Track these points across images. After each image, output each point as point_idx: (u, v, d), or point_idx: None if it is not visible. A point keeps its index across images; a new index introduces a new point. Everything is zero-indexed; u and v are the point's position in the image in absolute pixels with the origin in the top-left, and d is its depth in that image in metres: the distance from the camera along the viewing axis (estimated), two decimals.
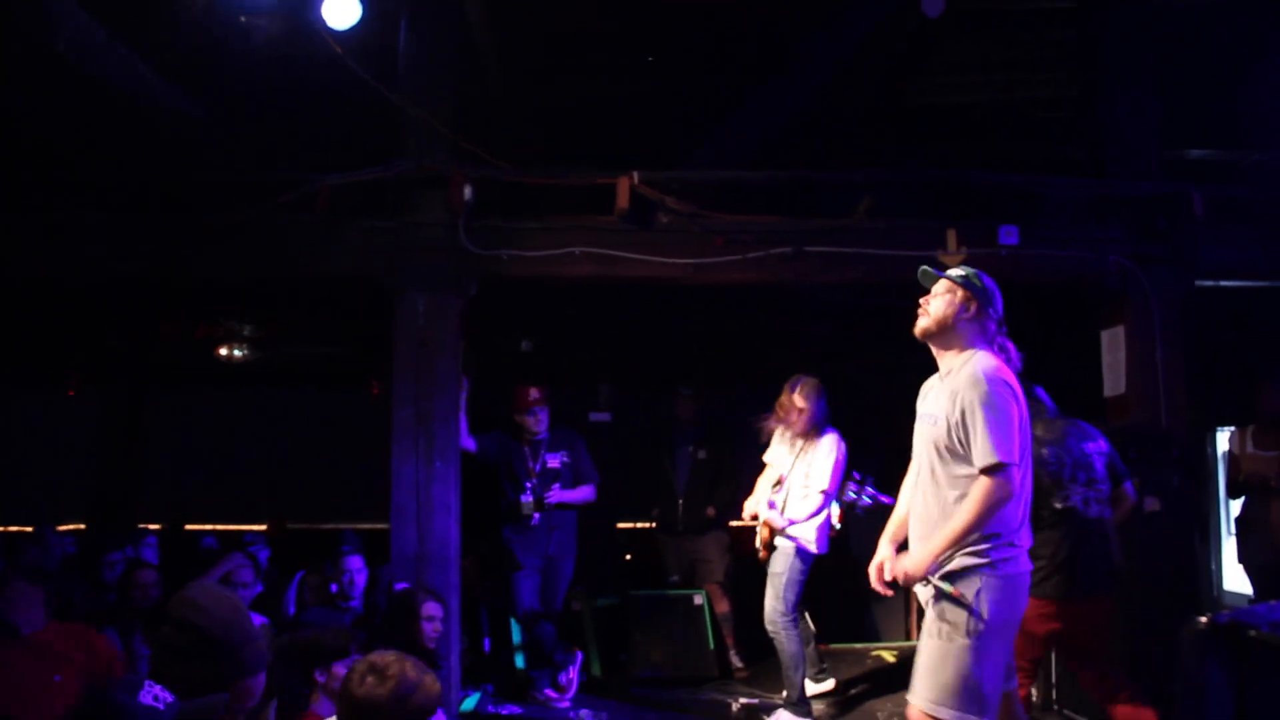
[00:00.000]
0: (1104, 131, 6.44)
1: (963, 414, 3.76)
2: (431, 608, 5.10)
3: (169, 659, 2.54)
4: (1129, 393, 6.18)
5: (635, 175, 6.00)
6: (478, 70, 6.57)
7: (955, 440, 3.79)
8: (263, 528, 10.90)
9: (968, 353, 3.92)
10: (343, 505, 10.66)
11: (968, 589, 3.68)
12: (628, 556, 9.89)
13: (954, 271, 4.01)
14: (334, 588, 6.16)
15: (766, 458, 6.50)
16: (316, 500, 11.99)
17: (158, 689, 2.38)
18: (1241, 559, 6.78)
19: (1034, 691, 6.31)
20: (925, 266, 4.08)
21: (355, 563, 6.05)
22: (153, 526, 9.79)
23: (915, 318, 4.09)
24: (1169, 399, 6.10)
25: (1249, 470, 6.55)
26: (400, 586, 5.66)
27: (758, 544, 6.41)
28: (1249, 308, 7.20)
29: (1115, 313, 6.30)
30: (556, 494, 6.60)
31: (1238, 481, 6.66)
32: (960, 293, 3.95)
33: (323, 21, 5.31)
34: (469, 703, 6.38)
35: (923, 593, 3.87)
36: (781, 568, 6.17)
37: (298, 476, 12.29)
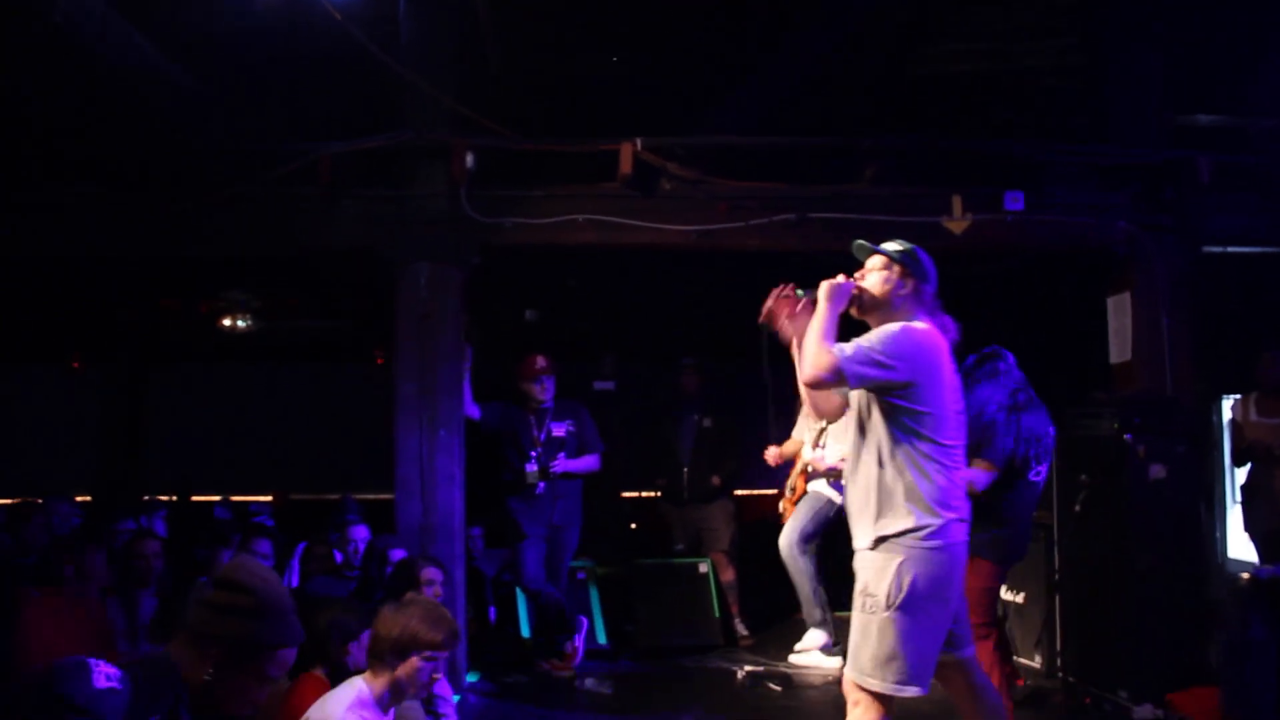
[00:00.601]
0: (1109, 98, 6.41)
1: None
2: (430, 573, 5.09)
3: (210, 616, 2.54)
4: (1135, 359, 6.17)
5: (638, 141, 5.97)
6: (479, 39, 6.51)
7: (864, 398, 3.76)
8: (268, 499, 10.96)
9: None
10: (348, 476, 10.67)
11: (890, 561, 3.60)
12: (633, 526, 9.92)
13: (889, 246, 3.90)
14: (339, 557, 6.17)
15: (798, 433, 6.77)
16: (321, 471, 12.02)
17: (105, 667, 2.26)
18: (1247, 527, 6.78)
19: (1038, 658, 6.36)
20: (859, 241, 3.97)
21: (360, 532, 6.06)
22: (162, 498, 9.80)
23: None
24: (1174, 366, 6.09)
25: (1253, 438, 6.53)
26: (397, 554, 5.66)
27: (786, 498, 6.58)
28: (1256, 274, 7.16)
29: (1121, 279, 6.28)
30: (562, 463, 6.59)
31: (1242, 449, 6.64)
32: (896, 268, 3.85)
33: None
34: (474, 673, 6.41)
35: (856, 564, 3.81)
36: (809, 504, 6.52)
37: (302, 448, 12.32)
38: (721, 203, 6.10)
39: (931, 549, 3.59)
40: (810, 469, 6.67)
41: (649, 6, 6.52)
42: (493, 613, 7.42)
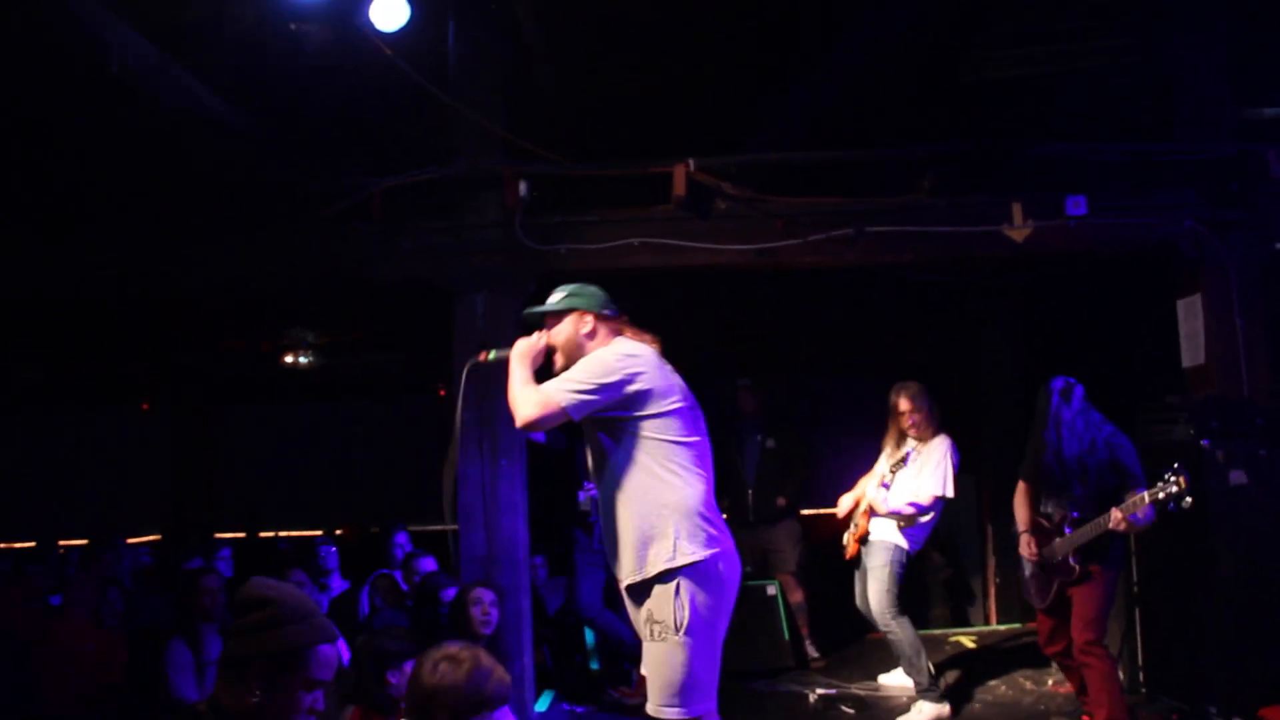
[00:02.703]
0: (1172, 94, 6.25)
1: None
2: (479, 593, 5.06)
3: (241, 640, 2.57)
4: (1209, 362, 5.99)
5: (691, 162, 5.94)
6: (528, 67, 6.54)
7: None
8: (339, 532, 11.04)
9: None
10: (416, 509, 10.72)
11: (665, 588, 3.61)
12: None
13: (552, 300, 4.01)
14: (405, 588, 6.17)
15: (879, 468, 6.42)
16: (388, 504, 12.10)
17: None
18: None
19: (1121, 673, 6.18)
20: (528, 309, 4.11)
21: (427, 564, 6.07)
22: (230, 535, 9.92)
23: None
24: (1250, 367, 5.91)
25: None
26: (449, 594, 5.62)
27: (847, 539, 6.37)
28: None
29: (1191, 280, 6.11)
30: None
31: None
32: (570, 316, 3.94)
33: (371, 25, 5.31)
34: (542, 702, 6.37)
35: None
36: (881, 561, 6.14)
37: (368, 482, 12.40)
38: (778, 220, 6.04)
39: (694, 568, 3.64)
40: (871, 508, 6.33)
41: (694, 24, 6.50)
42: (553, 635, 7.37)
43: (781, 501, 7.64)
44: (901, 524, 6.17)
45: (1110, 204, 6.06)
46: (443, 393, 11.18)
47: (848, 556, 6.49)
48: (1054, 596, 5.22)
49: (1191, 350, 6.14)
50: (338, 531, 10.87)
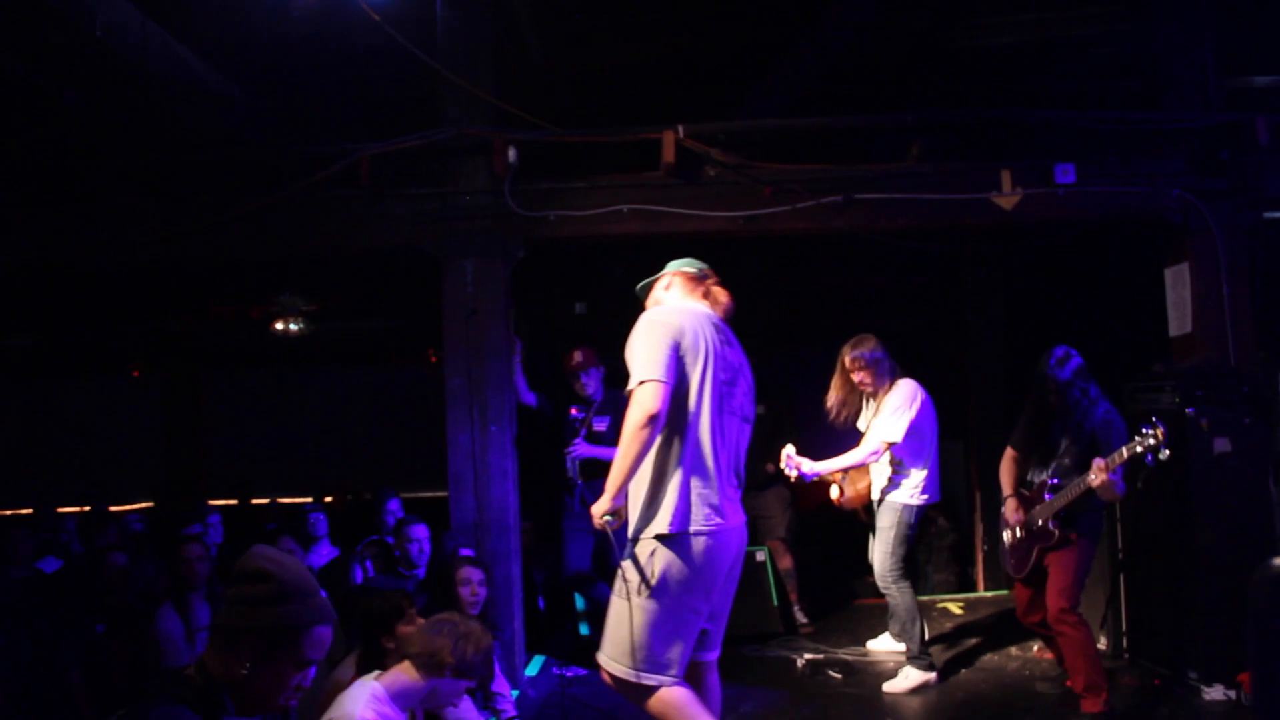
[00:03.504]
0: (1160, 62, 6.26)
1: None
2: (468, 572, 5.06)
3: (237, 610, 2.53)
4: (1195, 331, 6.03)
5: (680, 129, 5.94)
6: (517, 33, 6.51)
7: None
8: (328, 499, 11.08)
9: None
10: (407, 475, 10.76)
11: (642, 550, 3.70)
12: None
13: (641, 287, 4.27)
14: (395, 551, 6.19)
15: (861, 426, 6.28)
16: (378, 471, 12.15)
17: None
18: None
19: (1104, 639, 6.25)
20: (640, 284, 4.31)
21: (420, 531, 6.07)
22: (221, 502, 9.95)
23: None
24: (1237, 336, 5.95)
25: None
26: (464, 551, 5.69)
27: (839, 485, 6.38)
28: None
29: (1179, 249, 6.14)
30: (581, 447, 6.52)
31: None
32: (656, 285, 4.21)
33: None
34: (533, 666, 6.42)
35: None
36: (888, 522, 6.05)
37: (358, 448, 12.45)
38: (766, 187, 6.04)
39: (678, 539, 3.70)
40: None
41: None
42: (541, 602, 7.42)
43: (770, 468, 7.65)
44: (893, 479, 6.05)
45: (1099, 172, 6.07)
46: (434, 359, 11.19)
47: (837, 500, 6.47)
48: (1032, 565, 5.26)
49: (1178, 318, 6.17)
50: (327, 498, 10.92)
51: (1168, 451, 4.71)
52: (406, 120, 6.15)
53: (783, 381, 8.08)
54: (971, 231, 7.91)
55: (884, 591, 6.15)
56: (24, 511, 9.47)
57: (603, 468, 6.52)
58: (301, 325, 10.06)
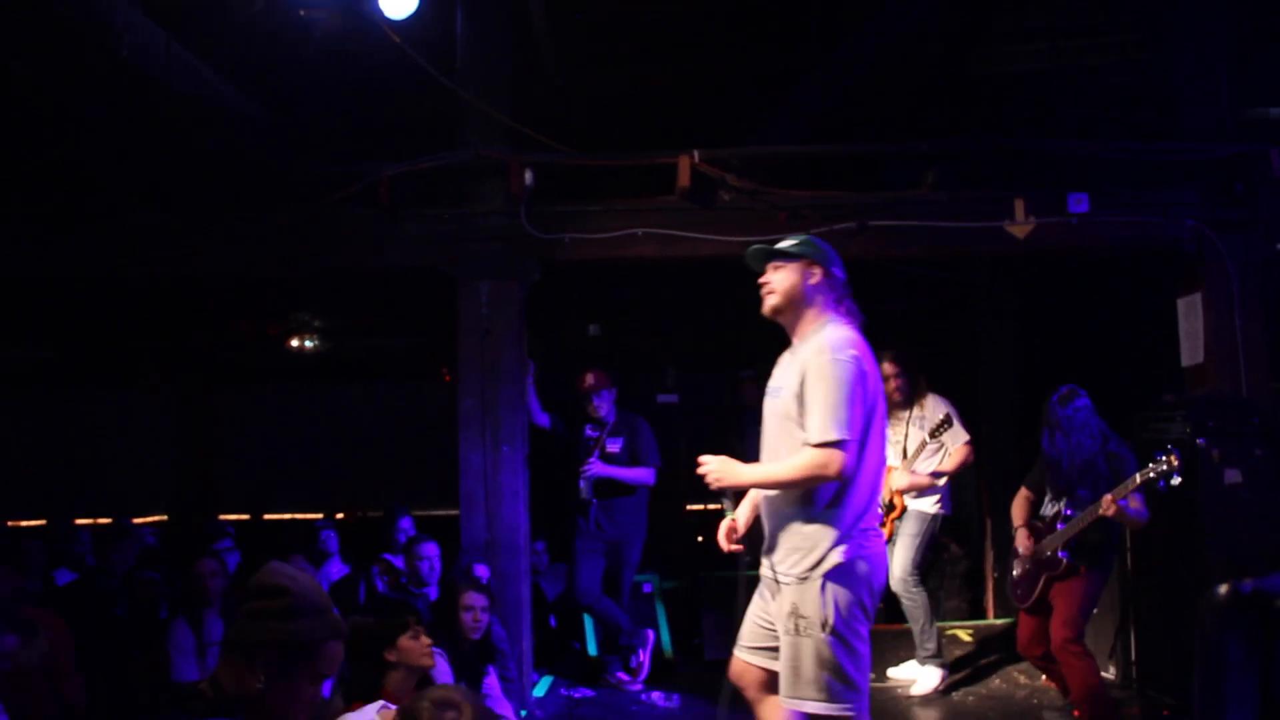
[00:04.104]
0: (1175, 92, 6.28)
1: (803, 384, 3.60)
2: (471, 598, 5.02)
3: (252, 625, 2.55)
4: (1207, 361, 6.03)
5: (696, 154, 5.98)
6: (535, 56, 6.57)
7: (797, 411, 3.62)
8: (339, 516, 11.11)
9: (819, 323, 3.75)
10: (419, 493, 10.78)
11: (814, 584, 3.58)
12: (699, 539, 9.88)
13: (784, 244, 3.81)
14: (403, 570, 6.20)
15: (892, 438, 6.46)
16: (391, 488, 12.17)
17: None
18: None
19: (1113, 669, 6.23)
20: (755, 246, 3.89)
21: (430, 549, 6.09)
22: (234, 517, 9.99)
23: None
24: (1249, 367, 5.94)
25: None
26: (478, 568, 5.70)
27: (886, 522, 6.43)
28: None
29: (1192, 279, 6.14)
30: (597, 466, 6.55)
31: None
32: (799, 261, 3.76)
33: (380, 11, 5.34)
34: (541, 687, 6.43)
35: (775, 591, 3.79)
36: (914, 530, 6.29)
37: (372, 465, 12.47)
38: (781, 212, 6.08)
39: (847, 566, 3.59)
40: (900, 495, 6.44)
41: (702, 18, 6.53)
42: (553, 620, 7.43)
43: None
44: (928, 490, 6.33)
45: (1112, 202, 6.08)
46: (447, 377, 11.23)
47: (886, 538, 6.53)
48: (1039, 594, 5.24)
49: (1190, 349, 6.17)
50: (339, 515, 10.95)
51: (1179, 479, 4.72)
52: (426, 140, 6.21)
53: None
54: (985, 259, 7.92)
55: (903, 595, 6.28)
56: (37, 523, 9.54)
57: (617, 487, 6.62)
58: (316, 342, 10.13)
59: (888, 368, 6.21)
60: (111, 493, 11.78)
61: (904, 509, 6.40)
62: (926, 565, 6.30)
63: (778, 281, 3.79)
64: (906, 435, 6.38)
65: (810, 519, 3.63)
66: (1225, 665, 3.34)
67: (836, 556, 3.56)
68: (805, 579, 3.61)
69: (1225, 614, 3.45)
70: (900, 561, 6.25)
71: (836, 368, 3.55)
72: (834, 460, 3.48)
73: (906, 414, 6.41)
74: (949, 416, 6.23)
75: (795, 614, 3.61)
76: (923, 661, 6.30)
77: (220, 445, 12.46)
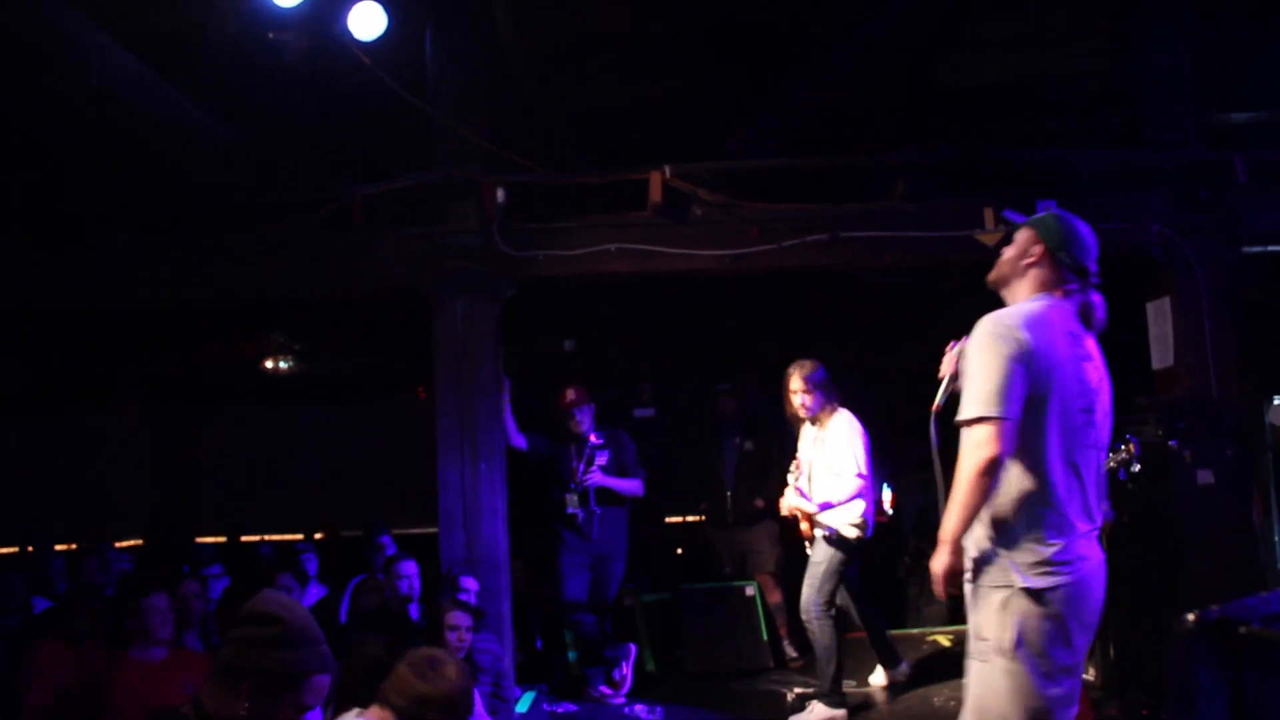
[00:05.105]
0: (1141, 100, 6.37)
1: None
2: (456, 618, 5.03)
3: (241, 651, 2.56)
4: (1177, 364, 6.10)
5: (667, 169, 6.01)
6: (506, 76, 6.59)
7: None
8: (319, 536, 11.06)
9: (1026, 299, 3.44)
10: (398, 512, 10.74)
11: (993, 600, 3.26)
12: (678, 551, 9.90)
13: (1033, 218, 3.61)
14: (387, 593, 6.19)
15: (801, 455, 6.30)
16: (369, 507, 12.11)
17: None
18: None
19: (1092, 670, 6.26)
20: (1005, 215, 3.72)
21: (409, 567, 6.07)
22: (211, 540, 9.93)
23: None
24: (1219, 369, 6.01)
25: None
26: (465, 580, 5.66)
27: (806, 529, 6.38)
28: None
29: (1160, 284, 6.22)
30: (595, 476, 6.56)
31: None
32: (1026, 234, 3.50)
33: (349, 33, 5.35)
34: (524, 702, 6.42)
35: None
36: (820, 557, 5.97)
37: (349, 485, 12.40)
38: (753, 226, 6.11)
39: (1038, 590, 3.30)
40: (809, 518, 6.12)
41: (672, 34, 6.57)
42: (539, 643, 7.42)
43: (759, 503, 7.69)
44: (835, 516, 5.96)
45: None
46: (423, 395, 11.20)
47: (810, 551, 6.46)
48: None
49: (1161, 352, 6.24)
50: (317, 535, 10.91)
51: (1138, 466, 4.73)
52: (400, 160, 6.23)
53: (770, 416, 8.11)
54: (958, 267, 7.97)
55: (804, 620, 6.00)
56: (12, 550, 9.46)
57: (608, 498, 6.64)
58: (291, 363, 10.10)
59: (793, 381, 6.07)
60: (86, 517, 11.68)
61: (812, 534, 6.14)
62: (905, 574, 6.19)
63: (1006, 252, 3.56)
64: (810, 453, 6.15)
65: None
66: (1195, 692, 3.37)
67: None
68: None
69: (1193, 642, 3.49)
70: (806, 588, 5.99)
71: (986, 338, 3.27)
72: (983, 441, 3.13)
73: (815, 432, 6.15)
74: (846, 442, 5.94)
75: None
76: (815, 695, 6.01)
77: (197, 466, 12.38)
